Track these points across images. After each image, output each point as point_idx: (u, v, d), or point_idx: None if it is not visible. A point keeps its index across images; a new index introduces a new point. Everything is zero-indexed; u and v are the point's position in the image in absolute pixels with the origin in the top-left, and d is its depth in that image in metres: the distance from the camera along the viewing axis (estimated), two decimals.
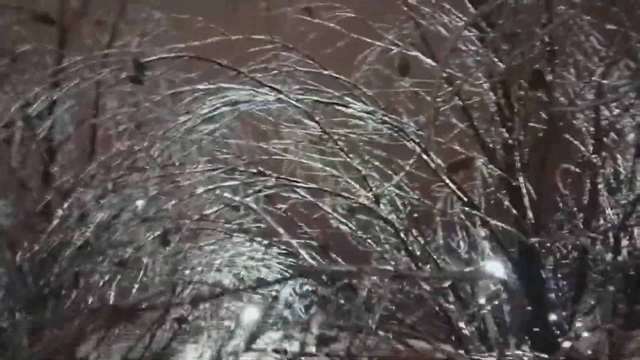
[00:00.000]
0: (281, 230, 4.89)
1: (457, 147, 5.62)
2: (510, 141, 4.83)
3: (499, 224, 4.82)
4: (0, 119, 5.46)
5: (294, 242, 5.17)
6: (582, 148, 5.71)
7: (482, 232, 6.08)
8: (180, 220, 5.03)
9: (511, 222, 4.96)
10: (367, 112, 5.41)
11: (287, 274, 5.46)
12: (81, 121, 7.49)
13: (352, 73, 6.46)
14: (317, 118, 5.74)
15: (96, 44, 8.19)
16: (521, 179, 4.89)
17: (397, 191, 5.47)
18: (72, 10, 8.41)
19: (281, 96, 5.19)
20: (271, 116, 6.40)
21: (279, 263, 5.77)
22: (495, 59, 4.48)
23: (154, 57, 5.28)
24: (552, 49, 4.25)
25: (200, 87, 5.39)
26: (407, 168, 4.97)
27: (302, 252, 5.06)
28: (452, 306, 4.61)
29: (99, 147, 7.63)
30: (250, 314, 8.62)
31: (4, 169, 6.20)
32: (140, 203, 5.62)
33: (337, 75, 5.91)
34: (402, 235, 5.15)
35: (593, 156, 5.43)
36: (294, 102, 5.18)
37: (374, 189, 5.31)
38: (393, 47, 6.03)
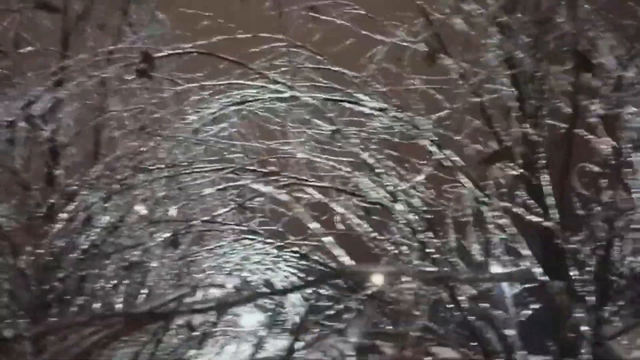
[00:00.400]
0: (314, 225, 4.63)
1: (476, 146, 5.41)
2: (534, 137, 4.64)
3: (539, 219, 4.61)
4: (3, 120, 5.32)
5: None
6: (601, 147, 5.53)
7: (498, 232, 5.94)
8: (190, 221, 4.85)
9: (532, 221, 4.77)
10: (380, 110, 5.24)
11: (299, 278, 5.31)
12: (85, 123, 7.36)
13: (361, 71, 6.32)
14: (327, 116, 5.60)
15: (99, 47, 8.09)
16: (545, 177, 4.70)
17: (413, 191, 5.28)
18: (75, 13, 8.33)
19: (293, 92, 5.01)
20: (278, 116, 6.26)
21: (289, 266, 5.60)
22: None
23: (164, 53, 5.11)
24: (575, 41, 4.08)
25: (210, 83, 5.22)
26: (429, 166, 4.77)
27: (337, 251, 4.76)
28: (499, 311, 4.42)
29: (103, 149, 7.52)
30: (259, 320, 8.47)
31: (6, 171, 6.07)
32: (139, 208, 5.50)
33: (349, 72, 5.74)
34: (419, 235, 4.96)
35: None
36: (305, 98, 5.01)
37: (389, 187, 5.11)
38: (404, 43, 5.85)
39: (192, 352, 8.85)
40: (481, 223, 6.08)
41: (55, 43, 8.09)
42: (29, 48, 7.35)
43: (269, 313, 8.66)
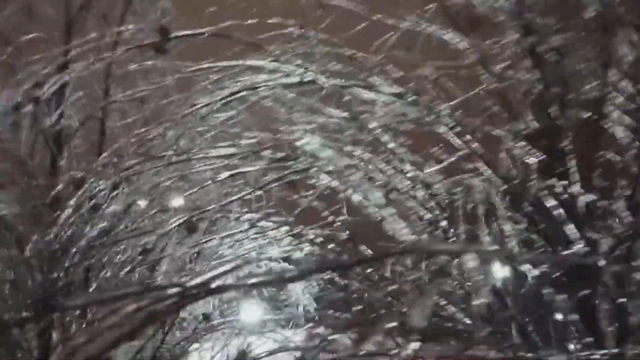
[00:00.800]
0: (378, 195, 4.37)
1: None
2: (560, 121, 4.48)
3: (592, 196, 4.43)
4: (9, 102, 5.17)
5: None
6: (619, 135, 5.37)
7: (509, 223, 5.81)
8: (204, 207, 4.69)
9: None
10: (397, 95, 5.09)
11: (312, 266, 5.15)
12: (89, 115, 7.24)
13: (370, 57, 6.17)
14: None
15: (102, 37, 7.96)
16: (572, 163, 4.54)
17: (431, 179, 5.13)
18: (77, 3, 8.20)
19: (309, 76, 4.84)
20: (285, 105, 6.13)
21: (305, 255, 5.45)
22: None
23: (179, 34, 4.93)
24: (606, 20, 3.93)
25: (224, 64, 5.07)
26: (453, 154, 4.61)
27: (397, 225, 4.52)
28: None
29: (107, 139, 7.41)
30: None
31: (11, 159, 5.92)
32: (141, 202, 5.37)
33: (365, 55, 5.60)
34: (441, 224, 4.81)
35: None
36: (323, 81, 4.85)
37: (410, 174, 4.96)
38: (418, 29, 5.70)
39: (196, 345, 8.74)
40: (493, 214, 5.95)
41: (58, 33, 7.98)
42: (32, 34, 7.21)
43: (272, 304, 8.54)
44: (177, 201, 5.41)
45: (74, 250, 5.17)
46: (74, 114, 7.42)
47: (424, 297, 1.70)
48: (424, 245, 1.58)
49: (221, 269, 1.36)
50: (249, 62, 4.92)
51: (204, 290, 1.34)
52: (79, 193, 4.85)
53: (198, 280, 1.35)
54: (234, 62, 4.91)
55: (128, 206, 5.10)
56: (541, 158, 4.68)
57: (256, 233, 5.44)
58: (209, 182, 5.13)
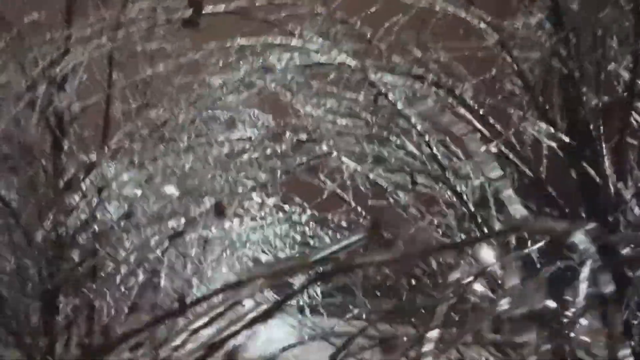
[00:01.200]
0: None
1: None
2: (593, 104, 4.35)
3: None
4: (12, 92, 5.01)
5: None
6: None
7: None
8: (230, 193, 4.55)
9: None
10: (417, 77, 4.95)
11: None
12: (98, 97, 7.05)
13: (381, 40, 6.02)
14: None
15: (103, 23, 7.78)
16: (603, 148, 4.41)
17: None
18: None
19: (332, 55, 4.69)
20: (290, 91, 5.99)
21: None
22: None
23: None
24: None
25: (244, 42, 4.91)
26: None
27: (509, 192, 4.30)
28: None
29: (112, 123, 7.24)
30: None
31: (16, 145, 5.75)
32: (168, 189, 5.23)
33: (382, 36, 5.45)
34: (472, 208, 4.69)
35: None
36: (349, 61, 4.70)
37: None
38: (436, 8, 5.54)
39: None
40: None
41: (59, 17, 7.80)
42: (35, 14, 7.01)
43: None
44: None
45: (85, 236, 5.04)
46: (77, 97, 7.25)
47: (538, 278, 1.60)
48: (533, 224, 1.47)
49: (345, 242, 1.24)
50: (273, 40, 4.74)
51: (337, 269, 1.21)
52: (91, 178, 4.70)
53: (320, 255, 1.22)
54: (260, 41, 4.73)
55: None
56: (569, 142, 4.56)
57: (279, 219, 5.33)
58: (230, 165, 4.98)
